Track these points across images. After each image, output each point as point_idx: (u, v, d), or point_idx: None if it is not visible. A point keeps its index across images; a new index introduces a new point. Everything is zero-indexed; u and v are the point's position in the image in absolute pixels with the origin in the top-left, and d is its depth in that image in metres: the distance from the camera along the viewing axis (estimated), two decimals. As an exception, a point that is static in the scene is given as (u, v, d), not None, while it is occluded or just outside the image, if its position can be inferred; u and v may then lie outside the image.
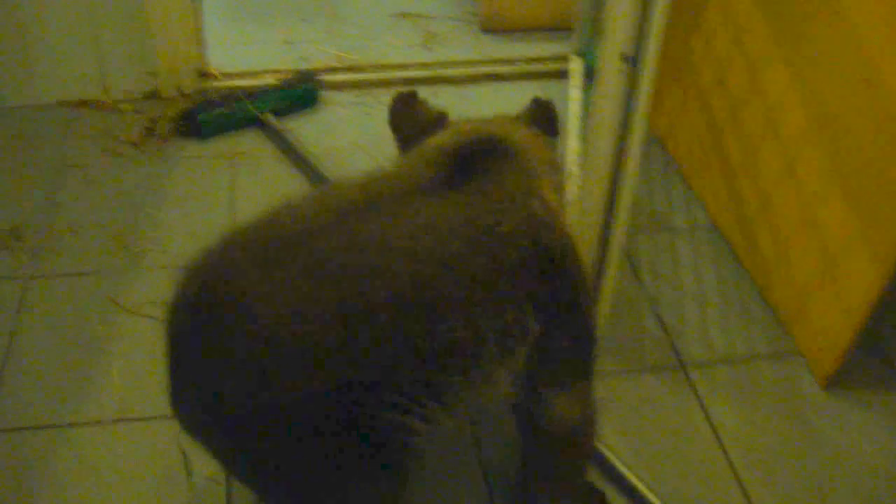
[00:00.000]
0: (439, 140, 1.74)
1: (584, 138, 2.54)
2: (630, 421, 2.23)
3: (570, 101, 3.04)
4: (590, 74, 2.21)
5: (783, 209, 2.46)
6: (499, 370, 1.60)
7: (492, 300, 1.52)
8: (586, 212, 2.20)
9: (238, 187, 2.86)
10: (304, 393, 1.40)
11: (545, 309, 1.61)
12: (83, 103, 3.19)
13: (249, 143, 3.06)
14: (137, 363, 2.30)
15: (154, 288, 2.51)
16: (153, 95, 3.22)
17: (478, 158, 1.63)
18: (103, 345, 2.35)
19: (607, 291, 2.28)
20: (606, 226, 2.21)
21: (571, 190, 2.70)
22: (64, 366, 2.29)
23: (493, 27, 3.65)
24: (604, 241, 2.22)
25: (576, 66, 3.19)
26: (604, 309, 2.31)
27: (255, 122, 3.11)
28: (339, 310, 1.40)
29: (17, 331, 2.36)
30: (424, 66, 3.38)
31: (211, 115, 3.04)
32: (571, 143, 2.86)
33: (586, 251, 2.25)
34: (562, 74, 3.36)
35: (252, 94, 3.11)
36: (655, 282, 2.59)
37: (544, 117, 2.01)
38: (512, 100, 3.31)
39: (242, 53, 3.47)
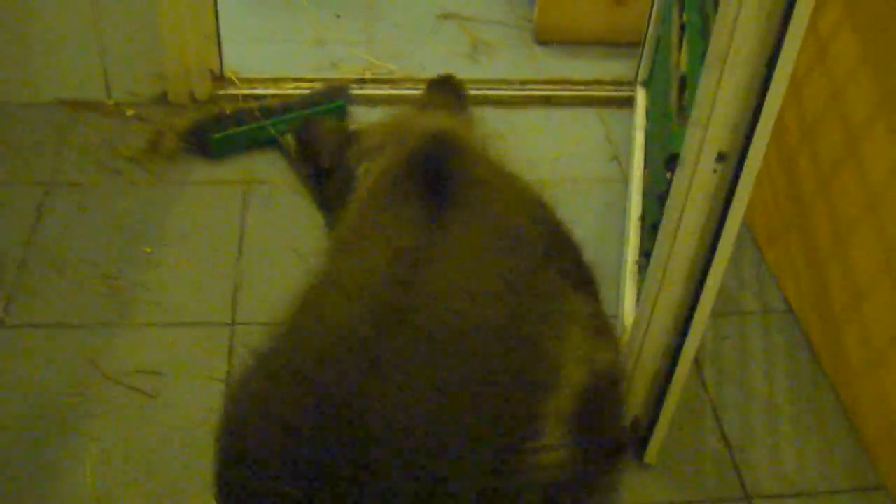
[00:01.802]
0: (394, 157, 1.63)
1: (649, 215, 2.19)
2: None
3: (635, 144, 2.66)
4: (670, 162, 1.84)
5: (880, 312, 2.09)
6: None
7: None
8: (647, 314, 1.86)
9: (249, 225, 2.51)
10: None
11: None
12: (82, 105, 2.84)
13: (265, 167, 2.71)
14: (116, 451, 1.98)
15: (143, 351, 2.18)
16: (161, 100, 2.86)
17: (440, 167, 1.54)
18: (77, 422, 2.03)
19: (669, 410, 1.94)
20: (678, 335, 1.86)
21: (630, 255, 2.35)
22: (29, 446, 1.97)
23: (549, 38, 3.25)
24: (673, 353, 1.87)
25: (642, 101, 2.80)
26: (662, 427, 1.97)
27: (274, 143, 2.74)
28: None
29: (-19, 392, 2.05)
30: (470, 82, 2.98)
31: (223, 134, 2.67)
32: (634, 198, 2.49)
33: (648, 363, 1.92)
34: (623, 102, 2.98)
35: (271, 110, 2.74)
36: (720, 381, 2.24)
37: (450, 91, 1.96)
38: (565, 127, 2.93)
39: (265, 53, 3.10)
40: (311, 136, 1.77)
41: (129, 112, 2.83)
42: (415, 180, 1.49)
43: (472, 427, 1.24)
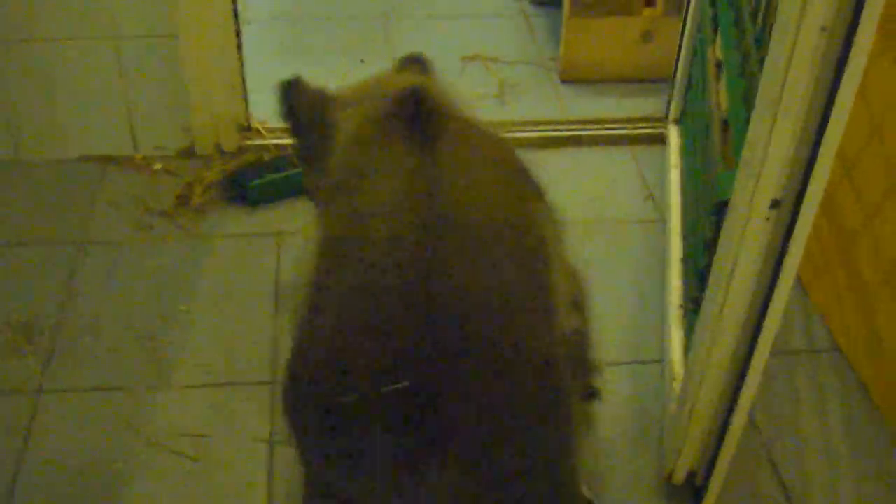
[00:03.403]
0: (375, 104, 1.70)
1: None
2: None
3: (671, 183, 2.63)
4: (719, 208, 1.80)
5: (933, 351, 2.05)
6: None
7: None
8: (701, 365, 1.81)
9: (284, 277, 2.48)
10: None
11: None
12: (110, 160, 2.83)
13: (296, 217, 2.68)
14: (160, 517, 1.95)
15: (185, 413, 2.15)
16: (188, 153, 2.84)
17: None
18: (121, 487, 2.00)
19: (726, 460, 1.89)
20: (733, 384, 1.82)
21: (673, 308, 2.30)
22: (74, 515, 1.94)
23: (574, 77, 3.22)
24: (728, 402, 1.83)
25: (675, 139, 2.77)
26: (719, 477, 1.92)
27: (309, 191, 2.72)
28: None
29: (22, 460, 2.02)
30: (498, 125, 2.96)
31: (262, 181, 2.68)
32: (674, 239, 2.45)
33: (704, 414, 1.87)
34: (654, 139, 2.95)
35: (304, 159, 2.72)
36: (772, 424, 2.19)
37: (421, 68, 2.00)
38: (597, 167, 2.90)
39: (291, 102, 3.07)
40: (294, 95, 1.95)
41: (157, 166, 2.81)
42: (401, 119, 1.58)
43: (525, 301, 1.42)
